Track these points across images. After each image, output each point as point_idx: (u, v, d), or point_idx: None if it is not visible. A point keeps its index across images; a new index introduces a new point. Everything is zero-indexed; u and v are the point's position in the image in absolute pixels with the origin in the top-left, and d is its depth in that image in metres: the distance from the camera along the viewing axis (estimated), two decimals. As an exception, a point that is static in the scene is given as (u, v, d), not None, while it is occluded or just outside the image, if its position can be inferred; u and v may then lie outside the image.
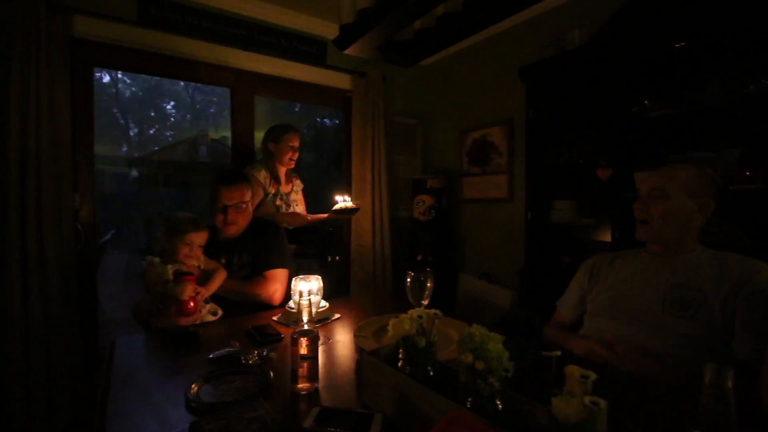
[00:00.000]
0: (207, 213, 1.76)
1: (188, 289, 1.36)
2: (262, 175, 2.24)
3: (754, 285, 1.00)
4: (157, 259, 1.47)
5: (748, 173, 1.57)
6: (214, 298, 1.53)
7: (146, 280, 1.44)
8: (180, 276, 1.38)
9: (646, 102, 1.88)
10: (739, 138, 1.73)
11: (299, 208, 2.44)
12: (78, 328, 1.99)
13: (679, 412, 0.81)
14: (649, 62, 1.89)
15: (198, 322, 1.44)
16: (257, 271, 1.67)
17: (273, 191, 2.30)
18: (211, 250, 1.61)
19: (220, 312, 1.53)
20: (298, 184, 2.50)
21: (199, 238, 1.53)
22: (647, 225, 1.18)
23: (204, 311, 1.47)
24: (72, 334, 1.95)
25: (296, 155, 2.34)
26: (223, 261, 1.68)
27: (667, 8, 1.77)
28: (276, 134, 2.30)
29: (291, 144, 2.30)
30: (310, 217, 2.38)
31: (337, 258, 2.24)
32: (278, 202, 2.32)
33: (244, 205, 1.69)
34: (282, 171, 2.36)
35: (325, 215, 2.35)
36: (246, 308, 1.59)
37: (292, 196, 2.41)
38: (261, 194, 2.23)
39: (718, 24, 1.62)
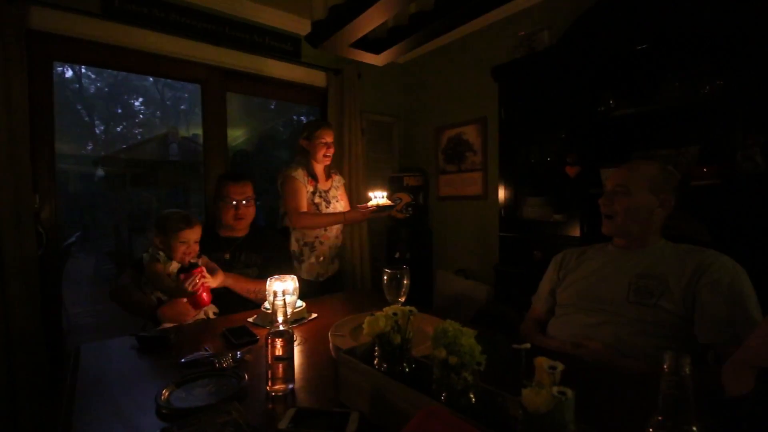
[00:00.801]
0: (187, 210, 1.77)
1: (199, 282, 1.40)
2: (300, 174, 2.17)
3: (711, 275, 1.07)
4: (162, 254, 1.48)
5: (705, 170, 1.66)
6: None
7: (150, 275, 1.45)
8: (191, 269, 1.41)
9: (611, 101, 1.95)
10: (697, 136, 1.82)
11: (340, 204, 2.35)
12: (41, 335, 1.89)
13: (644, 399, 0.85)
14: (613, 63, 1.97)
15: (203, 316, 1.49)
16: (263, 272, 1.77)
17: (311, 189, 2.22)
18: (213, 246, 1.62)
19: (216, 311, 1.56)
20: (339, 180, 2.42)
21: (194, 234, 1.52)
22: (612, 220, 1.24)
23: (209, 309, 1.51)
24: (35, 341, 1.86)
25: (331, 150, 2.24)
26: (227, 257, 1.70)
27: (630, 12, 1.84)
28: (309, 131, 2.22)
29: (324, 140, 2.20)
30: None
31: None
32: (317, 200, 2.24)
33: (251, 201, 1.83)
34: (319, 168, 2.28)
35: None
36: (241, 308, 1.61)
37: (332, 193, 2.33)
38: (304, 192, 2.17)
39: (676, 28, 1.70)
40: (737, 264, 1.09)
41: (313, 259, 2.24)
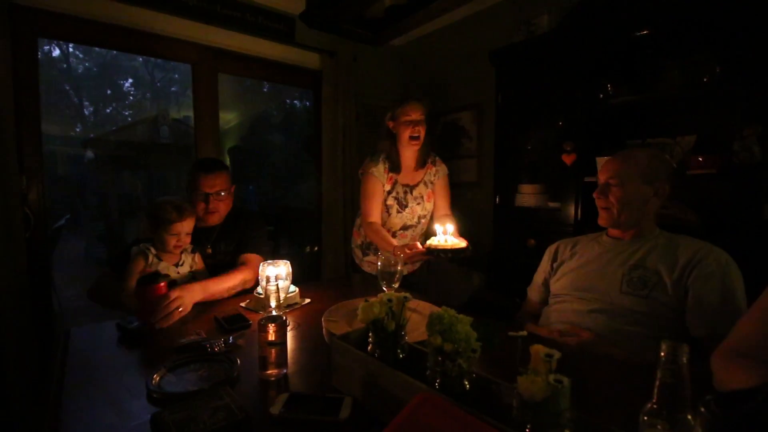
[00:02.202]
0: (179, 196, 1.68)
1: (172, 312, 1.19)
2: (379, 170, 1.81)
3: (704, 268, 1.07)
4: (152, 251, 1.42)
5: (701, 159, 1.66)
6: None
7: (128, 269, 1.37)
8: (151, 282, 1.19)
9: (609, 89, 1.93)
10: (694, 125, 1.81)
11: (422, 207, 1.90)
12: (31, 319, 1.88)
13: (638, 387, 0.86)
14: (613, 50, 1.94)
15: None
16: (235, 257, 1.64)
17: (388, 187, 1.84)
18: (193, 239, 1.54)
19: None
20: (437, 172, 1.94)
21: (186, 226, 1.45)
22: (608, 211, 1.23)
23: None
24: (24, 326, 1.84)
25: (418, 131, 1.79)
26: (209, 251, 1.64)
27: (632, -4, 1.81)
28: (394, 109, 1.84)
29: (407, 118, 1.78)
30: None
31: (316, 248, 2.11)
32: (389, 202, 1.86)
33: (225, 194, 1.64)
34: (407, 155, 1.86)
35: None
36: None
37: (418, 191, 1.89)
38: (379, 194, 1.82)
39: (677, 15, 1.68)
40: (729, 257, 1.10)
41: (374, 258, 1.93)
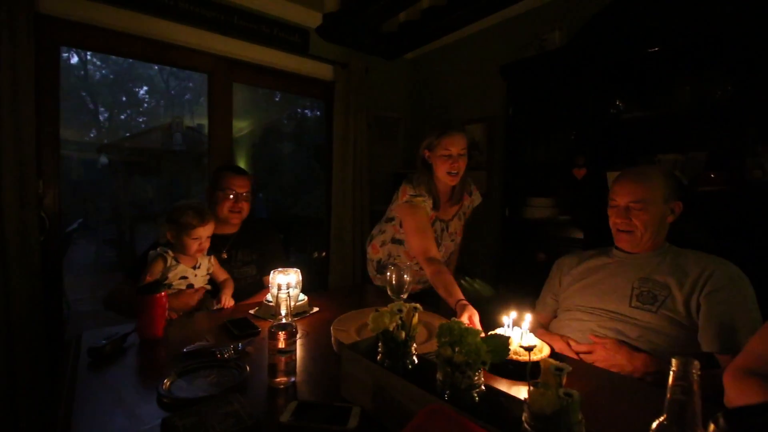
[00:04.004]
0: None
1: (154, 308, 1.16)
2: (428, 203, 1.61)
3: (715, 283, 1.06)
4: (170, 254, 1.43)
5: (713, 175, 1.65)
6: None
7: (146, 270, 1.39)
8: (152, 291, 1.17)
9: (620, 104, 1.93)
10: (706, 142, 1.80)
11: (453, 243, 1.78)
12: (42, 322, 1.90)
13: (649, 402, 0.85)
14: (624, 66, 1.94)
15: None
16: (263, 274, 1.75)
17: (432, 218, 1.66)
18: (210, 244, 1.56)
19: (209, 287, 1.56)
20: (468, 203, 1.78)
21: (207, 230, 1.47)
22: (631, 234, 1.22)
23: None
24: (35, 328, 1.86)
25: (458, 165, 1.58)
26: (225, 256, 1.66)
27: (643, 14, 1.82)
28: (430, 138, 1.62)
29: (446, 152, 1.57)
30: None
31: (323, 254, 2.13)
32: (437, 227, 1.71)
33: (249, 196, 1.77)
34: (443, 190, 1.68)
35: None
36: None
37: (453, 227, 1.74)
38: (430, 228, 1.62)
39: (689, 31, 1.68)
40: (741, 271, 1.09)
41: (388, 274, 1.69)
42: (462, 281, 2.29)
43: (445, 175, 1.60)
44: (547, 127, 2.29)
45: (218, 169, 1.81)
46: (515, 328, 1.01)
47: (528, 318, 0.98)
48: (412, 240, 1.58)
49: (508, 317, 1.00)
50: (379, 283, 1.90)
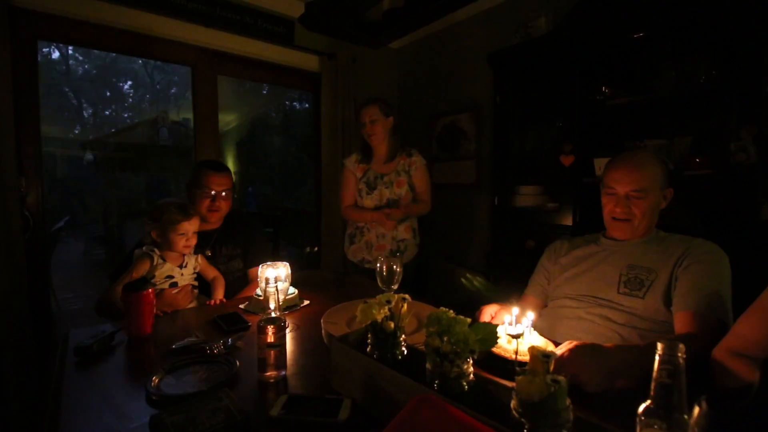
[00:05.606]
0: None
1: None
2: (351, 160, 2.13)
3: (692, 258, 1.09)
4: (157, 253, 1.41)
5: (698, 160, 1.66)
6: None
7: (138, 271, 1.36)
8: (139, 288, 1.14)
9: (606, 90, 1.93)
10: (691, 126, 1.82)
11: (391, 191, 2.09)
12: (29, 320, 1.87)
13: (635, 386, 0.86)
14: (610, 51, 1.95)
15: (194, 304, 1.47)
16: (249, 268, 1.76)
17: (359, 174, 2.12)
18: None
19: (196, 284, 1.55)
20: (411, 162, 2.12)
21: (193, 225, 1.45)
22: (628, 223, 1.21)
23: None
24: (23, 327, 1.84)
25: (375, 129, 2.05)
26: (209, 253, 1.65)
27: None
28: (358, 111, 2.15)
29: (362, 120, 2.09)
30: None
31: (316, 249, 2.15)
32: (360, 186, 2.12)
33: (227, 194, 1.70)
34: (378, 148, 2.12)
35: None
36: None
37: (389, 178, 2.09)
38: (351, 182, 2.12)
39: (674, 17, 1.69)
40: (722, 251, 1.10)
41: (361, 244, 2.15)
42: (463, 279, 2.37)
43: (368, 137, 2.08)
44: (534, 114, 2.29)
45: (198, 165, 1.75)
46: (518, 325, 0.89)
47: (530, 316, 0.88)
48: (340, 192, 2.15)
49: (510, 315, 0.89)
50: (351, 256, 2.18)
